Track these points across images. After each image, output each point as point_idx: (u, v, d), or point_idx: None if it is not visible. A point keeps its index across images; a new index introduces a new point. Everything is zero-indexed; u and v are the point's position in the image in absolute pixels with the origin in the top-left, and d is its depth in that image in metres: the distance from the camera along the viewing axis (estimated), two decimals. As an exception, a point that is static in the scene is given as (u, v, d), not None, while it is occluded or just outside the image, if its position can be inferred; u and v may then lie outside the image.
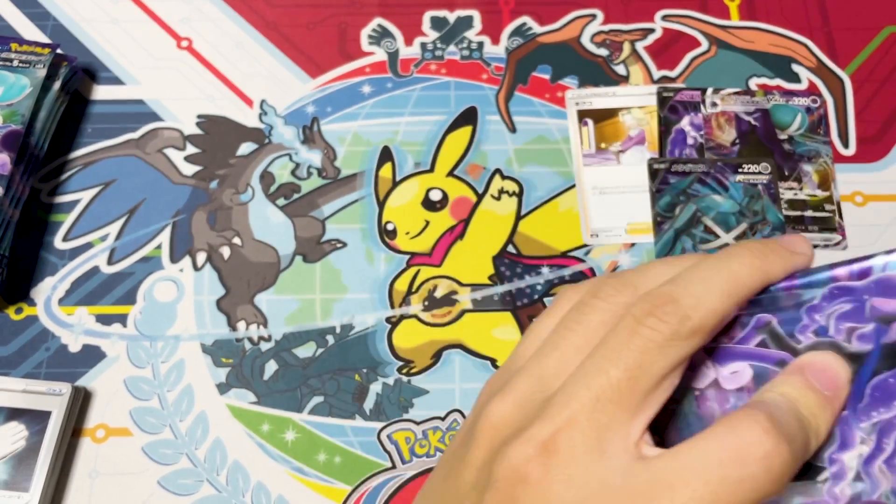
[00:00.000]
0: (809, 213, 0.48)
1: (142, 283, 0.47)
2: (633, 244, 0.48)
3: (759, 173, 0.48)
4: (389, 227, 0.48)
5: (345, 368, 0.45)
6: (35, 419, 0.41)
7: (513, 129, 0.51)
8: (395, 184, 0.49)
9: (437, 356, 0.45)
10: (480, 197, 0.49)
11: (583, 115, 0.51)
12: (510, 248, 0.48)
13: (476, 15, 0.54)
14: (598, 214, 0.48)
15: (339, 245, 0.48)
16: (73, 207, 0.48)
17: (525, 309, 0.46)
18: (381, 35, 0.54)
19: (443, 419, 0.44)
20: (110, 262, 0.47)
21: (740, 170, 0.48)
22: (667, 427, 0.24)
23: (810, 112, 0.51)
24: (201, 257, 0.47)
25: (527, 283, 0.47)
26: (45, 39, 0.53)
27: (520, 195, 0.49)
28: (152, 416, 0.44)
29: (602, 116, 0.51)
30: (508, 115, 0.51)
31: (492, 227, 0.48)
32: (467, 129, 0.51)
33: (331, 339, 0.45)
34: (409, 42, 0.53)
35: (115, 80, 0.52)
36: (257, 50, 0.53)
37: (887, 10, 0.54)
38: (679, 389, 0.23)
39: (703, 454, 0.20)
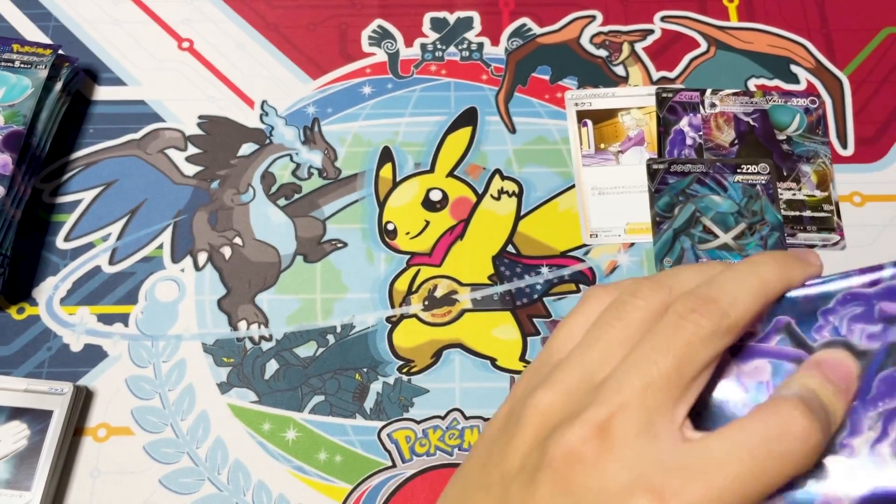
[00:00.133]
0: (808, 213, 0.48)
1: (143, 282, 0.47)
2: (632, 244, 0.48)
3: (758, 174, 0.48)
4: (390, 227, 0.48)
5: (345, 368, 0.45)
6: (37, 418, 0.41)
7: (512, 130, 0.51)
8: (396, 184, 0.49)
9: (437, 355, 0.45)
10: (480, 197, 0.49)
11: (582, 116, 0.51)
12: (510, 248, 0.48)
13: (476, 16, 0.55)
14: (597, 214, 0.48)
15: (339, 245, 0.48)
16: (74, 207, 0.49)
17: (524, 308, 0.46)
18: (382, 36, 0.54)
19: (443, 418, 0.44)
20: (112, 261, 0.47)
21: (739, 170, 0.48)
22: (694, 416, 0.27)
23: (809, 113, 0.51)
24: (202, 257, 0.47)
25: (526, 282, 0.47)
26: (46, 40, 0.53)
27: (519, 195, 0.49)
28: (154, 415, 0.44)
29: (601, 117, 0.51)
30: (508, 115, 0.51)
31: (491, 227, 0.48)
32: (467, 130, 0.51)
33: (331, 339, 0.46)
34: (409, 43, 0.54)
35: (117, 81, 0.52)
36: (258, 51, 0.53)
37: (886, 11, 0.55)
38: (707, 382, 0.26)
39: (749, 433, 0.23)
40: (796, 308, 0.26)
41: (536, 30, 0.54)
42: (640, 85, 0.52)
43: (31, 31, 0.53)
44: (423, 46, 0.53)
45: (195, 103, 0.52)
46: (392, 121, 0.51)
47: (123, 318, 0.46)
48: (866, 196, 0.49)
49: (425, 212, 0.49)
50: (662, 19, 0.55)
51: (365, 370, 0.45)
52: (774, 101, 0.51)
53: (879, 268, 0.25)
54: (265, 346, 0.45)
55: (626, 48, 0.53)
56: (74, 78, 0.51)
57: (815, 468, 0.24)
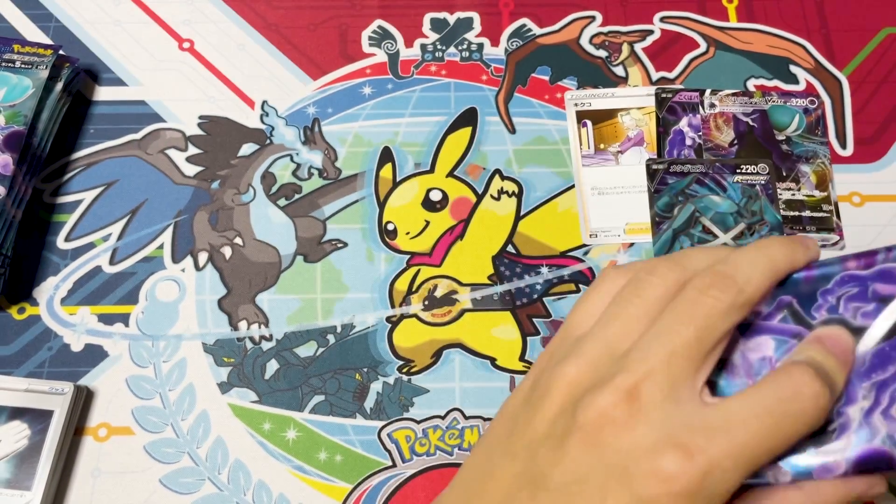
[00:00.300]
0: (807, 213, 0.48)
1: (144, 282, 0.47)
2: (631, 244, 0.48)
3: (757, 174, 0.49)
4: (390, 227, 0.48)
5: (345, 367, 0.45)
6: (37, 418, 0.42)
7: (512, 130, 0.51)
8: (396, 184, 0.50)
9: (437, 355, 0.45)
10: (480, 197, 0.49)
11: (582, 116, 0.51)
12: (510, 248, 0.48)
13: (476, 17, 0.55)
14: (596, 215, 0.49)
15: (339, 245, 0.48)
16: (75, 208, 0.49)
17: (524, 308, 0.46)
18: (382, 37, 0.54)
19: (443, 418, 0.44)
20: (112, 262, 0.47)
21: (738, 170, 0.49)
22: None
23: (808, 113, 0.51)
24: (203, 257, 0.48)
25: (526, 282, 0.47)
26: (47, 41, 0.53)
27: (519, 195, 0.49)
28: (154, 415, 0.44)
29: (601, 117, 0.51)
30: (508, 116, 0.51)
31: (491, 228, 0.48)
32: (467, 130, 0.51)
33: (331, 339, 0.46)
34: (409, 44, 0.54)
35: (118, 82, 0.52)
36: (259, 51, 0.53)
37: (885, 11, 0.55)
38: None
39: (765, 395, 0.25)
40: (798, 288, 0.28)
41: (536, 30, 0.54)
42: (639, 85, 0.52)
43: (31, 32, 0.53)
44: (423, 47, 0.54)
45: (196, 103, 0.52)
46: (392, 121, 0.51)
47: (124, 318, 0.46)
48: (865, 196, 0.49)
49: (425, 212, 0.49)
50: (662, 20, 0.55)
51: (365, 370, 0.45)
52: (774, 101, 0.51)
53: (874, 252, 0.28)
54: (265, 345, 0.45)
55: (625, 49, 0.54)
56: (75, 78, 0.51)
57: (814, 435, 0.26)
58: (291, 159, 0.50)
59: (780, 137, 0.50)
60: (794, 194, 0.48)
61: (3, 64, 0.48)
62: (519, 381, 0.44)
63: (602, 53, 0.53)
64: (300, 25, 0.54)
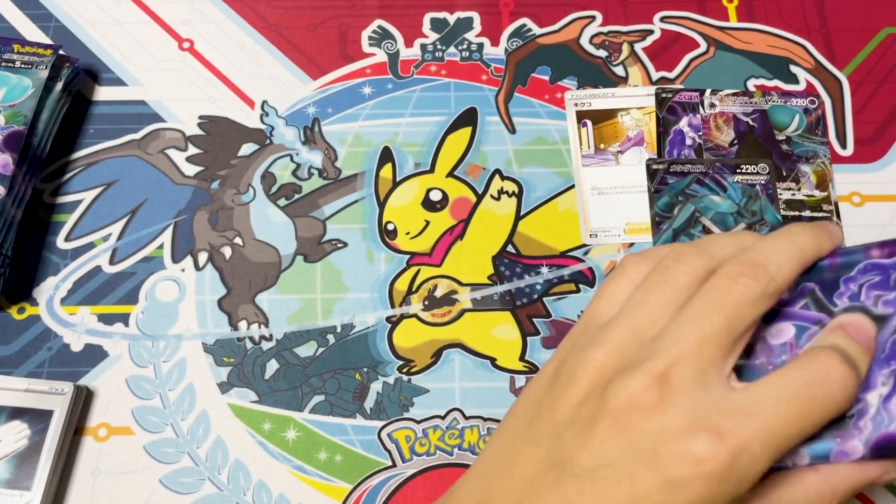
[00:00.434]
0: (807, 213, 0.48)
1: (144, 282, 0.47)
2: (631, 244, 0.48)
3: (757, 174, 0.48)
4: (390, 227, 0.48)
5: (345, 367, 0.45)
6: (37, 418, 0.42)
7: (512, 130, 0.51)
8: (396, 184, 0.50)
9: (437, 355, 0.45)
10: (480, 197, 0.49)
11: (582, 116, 0.51)
12: (510, 248, 0.48)
13: (476, 16, 0.55)
14: (596, 214, 0.49)
15: (339, 245, 0.48)
16: (75, 207, 0.49)
17: (524, 308, 0.46)
18: (382, 36, 0.54)
19: (443, 418, 0.44)
20: (112, 261, 0.47)
21: (738, 170, 0.49)
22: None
23: (808, 113, 0.51)
24: (203, 257, 0.48)
25: (526, 282, 0.47)
26: (47, 41, 0.53)
27: (519, 195, 0.49)
28: (154, 415, 0.44)
29: (601, 117, 0.51)
30: (508, 116, 0.51)
31: (491, 227, 0.48)
32: (467, 130, 0.51)
33: (331, 339, 0.46)
34: (409, 43, 0.54)
35: (118, 82, 0.52)
36: (258, 51, 0.53)
37: (885, 11, 0.55)
38: None
39: (794, 379, 0.25)
40: (821, 275, 0.29)
41: (536, 30, 0.54)
42: (639, 85, 0.52)
43: (31, 32, 0.53)
44: (423, 47, 0.54)
45: (195, 103, 0.52)
46: (392, 121, 0.51)
47: (124, 318, 0.46)
48: (865, 196, 0.49)
49: (425, 212, 0.49)
50: (662, 20, 0.55)
51: (365, 370, 0.45)
52: (774, 101, 0.51)
53: None
54: (265, 345, 0.45)
55: (625, 48, 0.54)
56: (75, 78, 0.51)
57: (832, 420, 0.26)
58: (291, 159, 0.50)
59: (781, 137, 0.50)
60: (794, 194, 0.48)
61: (3, 64, 0.48)
62: (519, 380, 0.45)
63: (602, 53, 0.53)
64: (300, 25, 0.54)
